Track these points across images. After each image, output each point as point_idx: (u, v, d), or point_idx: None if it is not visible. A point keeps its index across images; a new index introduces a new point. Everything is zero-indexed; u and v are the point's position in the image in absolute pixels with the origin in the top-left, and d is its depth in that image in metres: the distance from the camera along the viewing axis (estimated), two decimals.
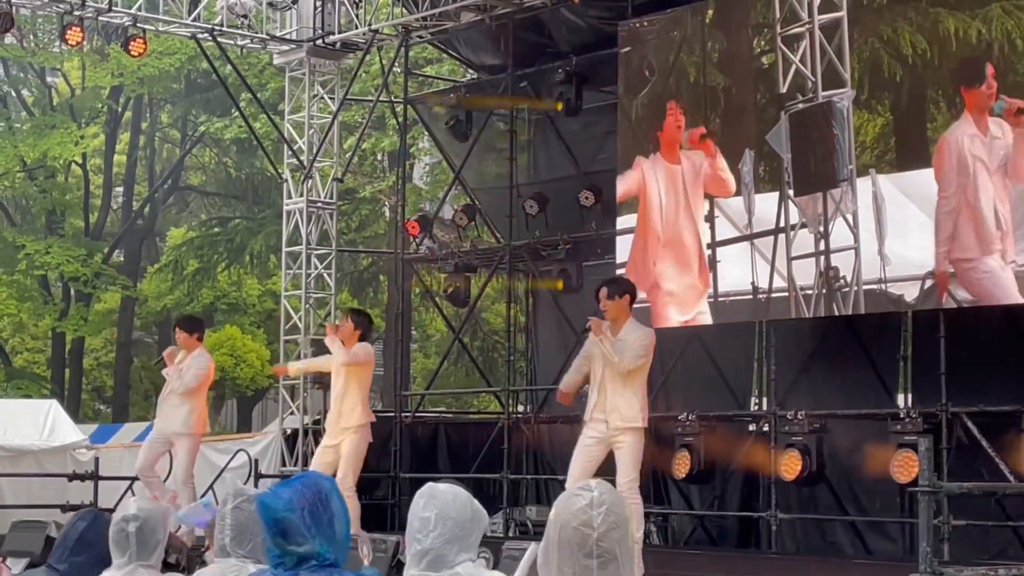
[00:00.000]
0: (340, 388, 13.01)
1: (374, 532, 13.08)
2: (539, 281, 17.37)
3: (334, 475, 12.48)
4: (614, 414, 11.15)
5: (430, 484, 3.91)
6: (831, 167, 12.97)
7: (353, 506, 12.35)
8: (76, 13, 16.27)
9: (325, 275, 18.22)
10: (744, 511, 14.63)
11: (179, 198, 36.81)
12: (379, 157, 30.97)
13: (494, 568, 10.15)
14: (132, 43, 16.93)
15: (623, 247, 14.94)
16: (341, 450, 12.92)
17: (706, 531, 15.06)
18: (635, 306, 11.86)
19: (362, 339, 13.13)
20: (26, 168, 31.16)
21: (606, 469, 11.20)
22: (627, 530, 3.39)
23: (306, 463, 17.44)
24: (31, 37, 31.71)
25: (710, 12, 14.65)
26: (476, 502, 3.90)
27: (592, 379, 11.41)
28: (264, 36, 18.02)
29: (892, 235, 12.54)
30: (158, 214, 35.39)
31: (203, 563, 9.30)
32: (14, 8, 16.09)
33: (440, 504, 3.82)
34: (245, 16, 17.39)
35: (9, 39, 26.66)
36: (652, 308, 13.88)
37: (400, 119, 19.69)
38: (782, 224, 13.38)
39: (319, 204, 18.18)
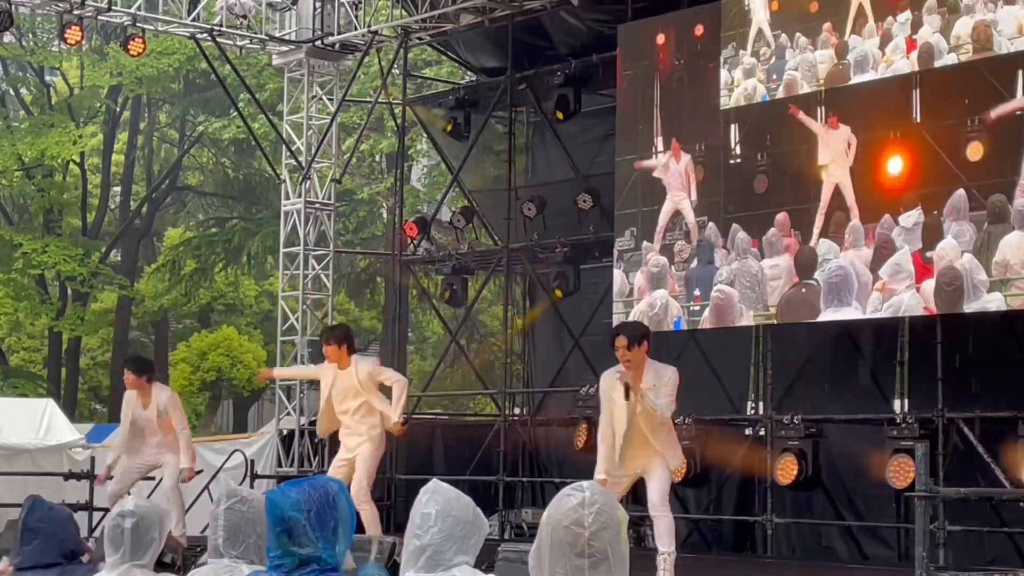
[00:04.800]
0: (358, 402, 12.28)
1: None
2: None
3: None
4: (650, 451, 10.32)
5: (435, 481, 3.89)
6: None
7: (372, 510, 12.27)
8: (75, 12, 16.26)
9: (322, 276, 18.22)
10: (740, 515, 14.64)
11: (177, 198, 36.78)
12: (377, 158, 31.00)
13: (489, 571, 10.15)
14: (131, 42, 16.94)
15: (620, 250, 15.01)
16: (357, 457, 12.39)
17: (702, 535, 15.06)
18: None
19: (352, 351, 12.38)
20: (24, 167, 31.13)
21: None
22: (619, 530, 3.38)
23: (302, 464, 17.47)
24: (30, 36, 31.69)
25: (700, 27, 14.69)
26: (479, 510, 3.89)
27: (613, 434, 10.36)
28: (263, 37, 18.03)
29: None
30: (155, 214, 35.37)
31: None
32: (13, 7, 16.09)
33: (443, 501, 3.81)
34: (244, 16, 17.40)
35: (8, 38, 26.65)
36: None
37: (398, 121, 19.71)
38: None
39: (317, 205, 18.18)
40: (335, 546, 3.92)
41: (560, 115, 16.47)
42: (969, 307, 12.17)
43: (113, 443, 13.83)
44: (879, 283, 12.76)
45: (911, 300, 12.54)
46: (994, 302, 12.02)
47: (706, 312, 14.20)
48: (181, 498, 13.35)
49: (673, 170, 14.69)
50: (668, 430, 10.38)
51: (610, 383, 10.40)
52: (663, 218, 14.69)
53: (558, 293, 16.42)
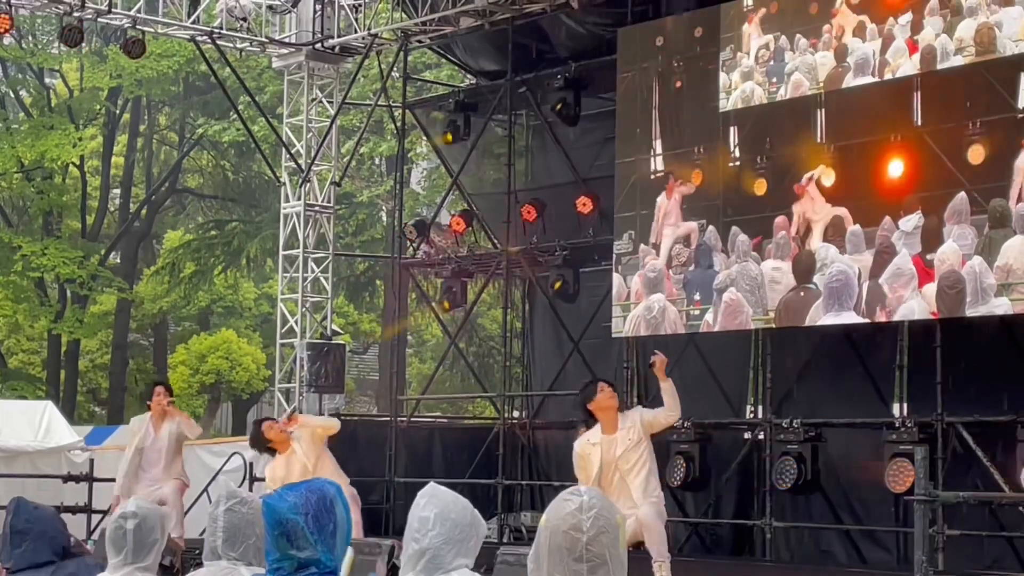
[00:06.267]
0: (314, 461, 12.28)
1: (369, 536, 13.05)
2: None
3: None
4: (644, 498, 10.10)
5: (432, 484, 3.88)
6: None
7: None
8: (76, 14, 16.26)
9: (322, 279, 18.21)
10: (739, 519, 14.62)
11: (176, 200, 36.76)
12: (377, 161, 30.99)
13: (488, 574, 10.11)
14: (131, 45, 16.93)
15: (618, 254, 15.00)
16: None
17: (700, 539, 15.04)
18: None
19: None
20: (24, 169, 31.09)
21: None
22: (617, 535, 3.37)
23: None
24: (30, 38, 31.68)
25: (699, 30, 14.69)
26: (477, 512, 3.88)
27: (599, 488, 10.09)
28: (263, 39, 18.02)
29: None
30: (155, 216, 35.35)
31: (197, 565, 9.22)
32: (13, 8, 16.08)
33: (441, 504, 3.80)
34: (244, 19, 17.40)
35: (8, 39, 26.64)
36: None
37: (398, 124, 19.70)
38: None
39: (316, 208, 18.18)
40: (333, 549, 3.92)
41: (559, 107, 16.42)
42: (976, 311, 12.14)
43: (118, 478, 13.49)
44: (887, 300, 12.71)
45: (920, 306, 12.52)
46: (1002, 306, 12.00)
47: (707, 315, 14.18)
48: (181, 502, 13.34)
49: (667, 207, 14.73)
50: (653, 465, 10.26)
51: (587, 449, 10.25)
52: (667, 241, 14.68)
53: (557, 285, 16.41)
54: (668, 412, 10.36)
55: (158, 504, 12.92)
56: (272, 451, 12.39)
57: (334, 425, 12.89)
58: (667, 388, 10.37)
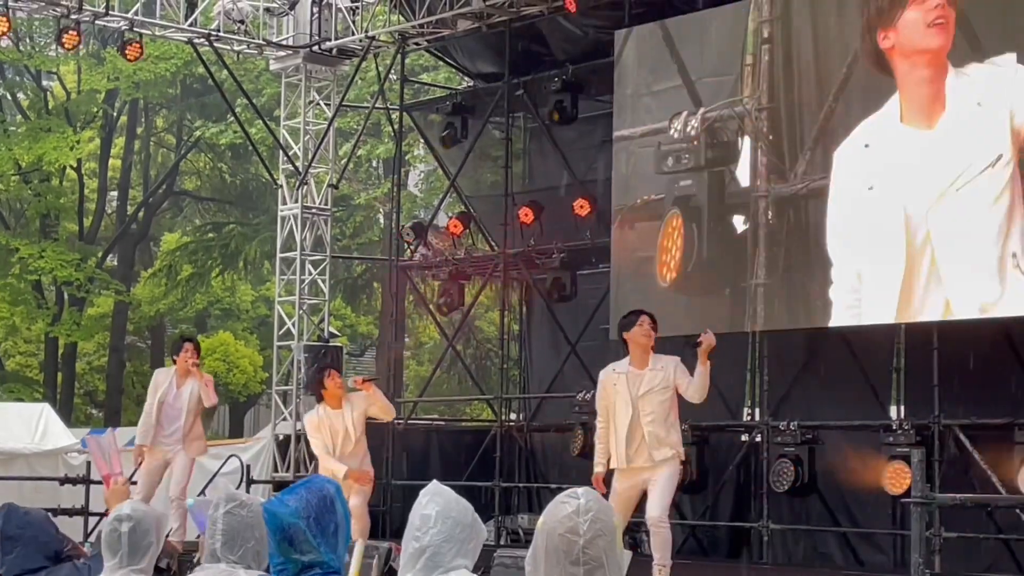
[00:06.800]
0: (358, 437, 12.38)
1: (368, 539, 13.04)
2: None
3: None
4: (658, 450, 10.44)
5: (435, 483, 3.89)
6: None
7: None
8: (73, 17, 16.26)
9: (319, 281, 18.21)
10: (736, 521, 14.63)
11: (174, 203, 36.76)
12: (374, 164, 31.01)
13: None
14: (128, 47, 16.94)
15: (617, 256, 15.01)
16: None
17: (697, 541, 15.05)
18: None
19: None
20: (21, 171, 31.07)
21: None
22: (613, 538, 3.39)
23: (298, 469, 17.45)
24: (27, 40, 31.67)
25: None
26: (478, 516, 3.90)
27: (615, 427, 10.48)
28: (260, 42, 18.03)
29: None
30: (152, 219, 35.34)
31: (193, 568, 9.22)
32: (11, 11, 16.09)
33: (443, 502, 3.82)
34: (242, 21, 17.40)
35: (5, 42, 26.64)
36: None
37: (396, 126, 19.70)
38: None
39: (314, 210, 18.18)
40: (336, 548, 3.93)
41: (556, 116, 16.45)
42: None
43: (139, 429, 13.44)
44: None
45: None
46: None
47: None
48: (185, 505, 13.28)
49: None
50: (676, 418, 10.64)
51: (612, 379, 10.53)
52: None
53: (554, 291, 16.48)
54: (695, 390, 10.48)
55: (165, 465, 13.10)
56: (320, 399, 12.44)
57: (392, 412, 13.11)
58: (703, 371, 10.42)
